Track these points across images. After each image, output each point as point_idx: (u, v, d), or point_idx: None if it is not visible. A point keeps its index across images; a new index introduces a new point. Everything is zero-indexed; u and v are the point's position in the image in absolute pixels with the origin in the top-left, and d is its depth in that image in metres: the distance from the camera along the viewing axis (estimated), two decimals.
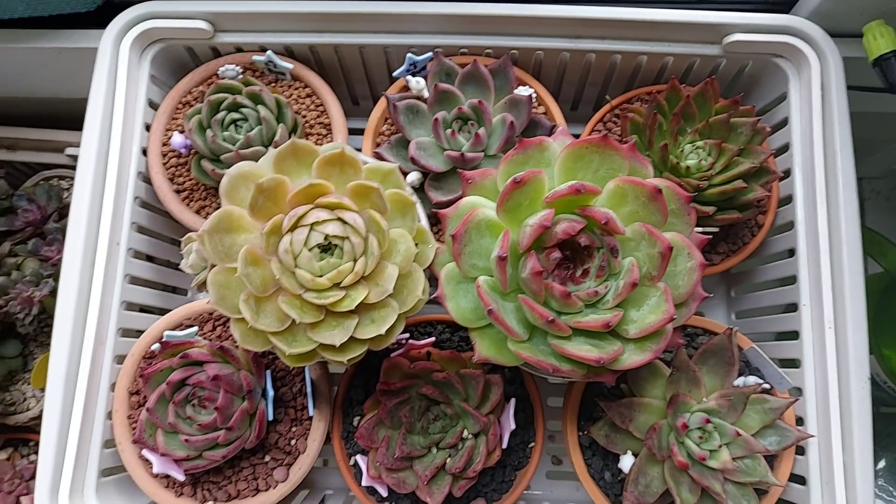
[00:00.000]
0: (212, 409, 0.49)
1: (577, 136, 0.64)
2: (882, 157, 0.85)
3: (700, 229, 0.54)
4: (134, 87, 0.59)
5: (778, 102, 0.62)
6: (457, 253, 0.42)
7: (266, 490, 0.52)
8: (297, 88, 0.62)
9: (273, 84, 0.62)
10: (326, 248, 0.41)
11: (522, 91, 0.57)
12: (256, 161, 0.55)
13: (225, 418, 0.48)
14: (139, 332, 0.58)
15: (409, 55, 0.58)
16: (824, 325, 0.54)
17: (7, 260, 0.67)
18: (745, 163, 0.55)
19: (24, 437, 0.71)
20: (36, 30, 0.64)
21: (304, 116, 0.61)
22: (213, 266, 0.41)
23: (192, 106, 0.61)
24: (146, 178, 0.60)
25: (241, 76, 0.59)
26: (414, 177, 0.57)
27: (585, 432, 0.54)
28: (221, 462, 0.50)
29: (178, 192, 0.59)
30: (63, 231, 0.69)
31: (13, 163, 0.76)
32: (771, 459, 0.53)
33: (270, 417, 0.51)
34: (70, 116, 0.72)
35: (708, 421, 0.48)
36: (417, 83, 0.57)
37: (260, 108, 0.56)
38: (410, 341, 0.53)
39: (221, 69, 0.59)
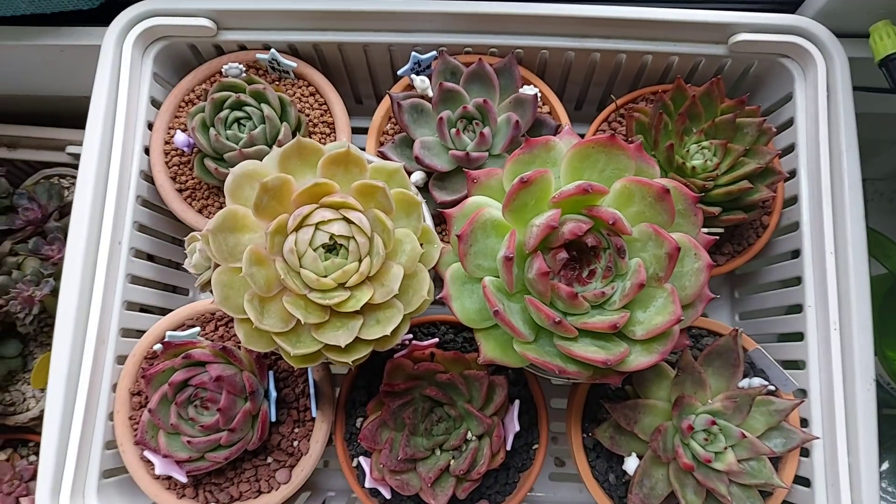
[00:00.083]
0: (214, 411, 0.48)
1: (581, 136, 0.65)
2: (885, 159, 0.85)
3: (706, 230, 0.54)
4: (136, 85, 0.59)
5: (783, 102, 0.62)
6: (462, 253, 0.41)
7: (268, 492, 0.52)
8: (300, 87, 0.62)
9: (276, 82, 0.62)
10: (331, 247, 0.41)
11: (527, 90, 0.57)
12: (260, 160, 0.55)
13: (227, 420, 0.48)
14: (140, 332, 0.57)
15: (413, 53, 0.58)
16: (829, 327, 0.54)
17: (7, 259, 0.67)
18: (751, 163, 0.54)
19: (24, 437, 0.71)
20: (38, 27, 0.63)
21: (308, 115, 0.60)
22: (216, 266, 0.41)
23: (194, 104, 0.61)
24: (148, 177, 0.60)
25: (244, 74, 0.59)
26: (418, 176, 0.56)
27: (590, 434, 0.53)
28: (224, 463, 0.50)
29: (180, 190, 0.59)
30: (63, 230, 0.68)
31: (14, 161, 0.76)
32: (776, 461, 0.53)
33: (273, 419, 0.50)
34: (71, 114, 0.72)
35: (713, 423, 0.48)
36: (422, 82, 0.57)
37: (263, 106, 0.55)
38: (414, 342, 0.53)
39: (225, 67, 0.59)
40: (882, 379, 0.76)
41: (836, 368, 0.53)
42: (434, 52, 0.58)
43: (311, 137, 0.60)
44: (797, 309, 0.57)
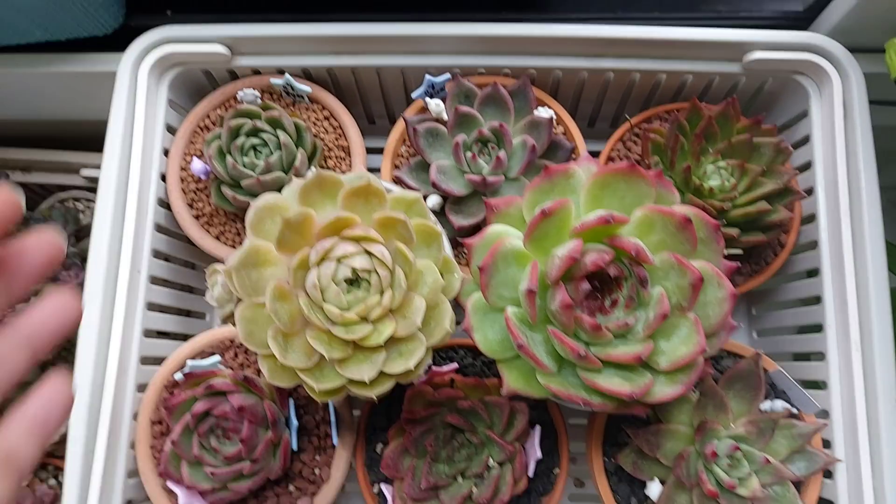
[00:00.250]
0: (236, 441, 0.48)
1: (594, 154, 0.65)
2: None
3: (725, 251, 0.54)
4: (152, 113, 0.59)
5: (799, 119, 0.62)
6: (484, 284, 0.41)
7: None
8: (314, 111, 0.62)
9: (291, 107, 0.62)
10: (353, 281, 0.41)
11: (542, 113, 0.57)
12: (277, 187, 0.55)
13: (250, 449, 0.48)
14: (157, 359, 0.57)
15: (427, 77, 0.58)
16: (850, 347, 0.54)
17: None
18: (769, 183, 0.54)
19: (43, 461, 0.71)
20: (52, 54, 0.64)
21: (323, 139, 0.61)
22: (239, 301, 0.41)
23: (209, 130, 0.61)
24: (164, 203, 0.60)
25: (259, 100, 0.59)
26: (434, 200, 0.56)
27: (612, 458, 0.53)
28: (247, 493, 0.50)
29: (197, 217, 0.59)
30: (80, 255, 0.68)
31: (29, 185, 0.76)
32: (798, 484, 0.53)
33: (294, 447, 0.50)
34: (84, 137, 0.72)
35: (737, 448, 0.48)
36: (437, 105, 0.57)
37: (279, 132, 0.55)
38: (433, 368, 0.53)
39: (240, 93, 0.59)
40: None
41: (859, 389, 0.53)
42: (447, 75, 0.58)
43: (326, 162, 0.60)
44: (817, 328, 0.57)
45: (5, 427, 0.21)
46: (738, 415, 0.51)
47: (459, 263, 0.58)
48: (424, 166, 0.57)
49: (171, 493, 0.51)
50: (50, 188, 0.77)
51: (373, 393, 0.40)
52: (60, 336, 0.23)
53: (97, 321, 0.53)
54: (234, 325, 0.43)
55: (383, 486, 0.52)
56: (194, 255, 0.65)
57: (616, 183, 0.42)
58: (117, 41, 0.62)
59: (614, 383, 0.39)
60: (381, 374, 0.40)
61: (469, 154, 0.55)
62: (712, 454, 0.47)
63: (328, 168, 0.60)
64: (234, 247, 0.59)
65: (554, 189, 0.43)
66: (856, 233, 0.55)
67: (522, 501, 0.54)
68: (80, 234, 0.72)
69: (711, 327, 0.41)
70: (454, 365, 0.54)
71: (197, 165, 0.57)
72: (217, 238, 0.59)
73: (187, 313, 0.67)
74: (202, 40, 0.58)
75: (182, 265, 0.64)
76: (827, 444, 0.54)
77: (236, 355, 0.56)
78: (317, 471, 0.52)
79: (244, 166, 0.55)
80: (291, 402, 0.51)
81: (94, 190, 0.73)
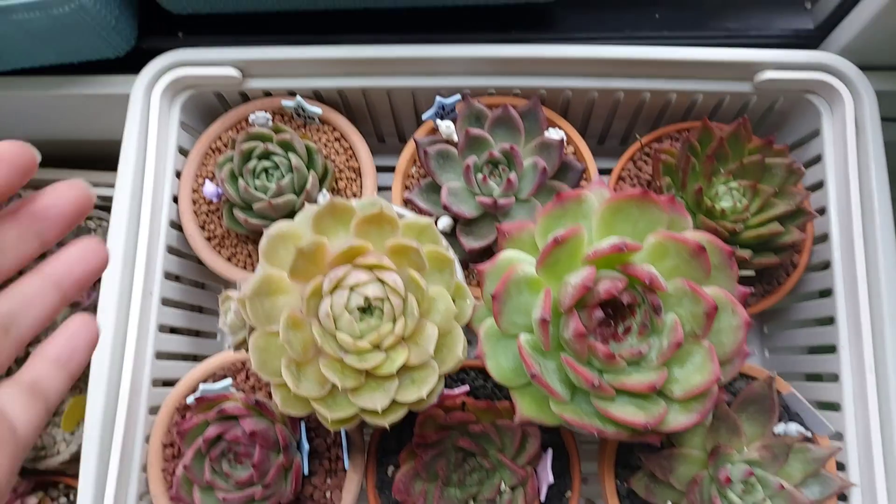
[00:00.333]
0: (248, 465, 0.48)
1: (604, 171, 0.64)
2: None
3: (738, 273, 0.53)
4: (164, 136, 0.59)
5: (810, 138, 0.62)
6: (497, 312, 0.41)
7: None
8: (325, 132, 0.62)
9: (302, 128, 0.62)
10: (365, 309, 0.41)
11: (553, 134, 0.57)
12: (288, 210, 0.55)
13: (261, 474, 0.48)
14: (169, 381, 0.58)
15: (437, 98, 0.58)
16: (865, 369, 0.53)
17: None
18: (781, 205, 0.54)
19: (54, 479, 0.71)
20: (63, 76, 0.64)
21: (334, 160, 0.61)
22: (252, 329, 0.41)
23: (221, 152, 0.61)
24: (176, 225, 0.60)
25: (270, 122, 0.59)
26: (445, 222, 0.57)
27: (624, 482, 0.53)
28: None
29: (209, 238, 0.59)
30: None
31: None
32: None
33: (306, 471, 0.50)
34: (96, 157, 0.73)
35: (751, 473, 0.48)
36: (447, 127, 0.57)
37: (291, 155, 0.56)
38: (444, 391, 0.52)
39: (252, 117, 0.59)
40: None
41: (873, 412, 0.52)
42: (458, 96, 0.58)
43: (337, 183, 0.60)
44: (830, 349, 0.57)
45: (34, 358, 0.23)
46: (751, 438, 0.50)
47: (470, 284, 0.59)
48: (435, 188, 0.57)
49: None
50: None
51: (385, 422, 0.40)
52: (88, 280, 0.24)
53: (110, 343, 0.53)
54: (246, 351, 0.43)
55: None
56: (204, 274, 0.66)
57: (628, 209, 0.42)
58: (129, 63, 0.62)
59: (628, 412, 0.39)
60: (394, 403, 0.40)
61: (480, 176, 0.55)
62: (726, 479, 0.47)
63: (339, 189, 0.61)
64: (245, 268, 0.59)
65: (566, 215, 0.43)
66: (869, 253, 0.55)
67: None
68: None
69: (726, 355, 0.41)
70: (465, 387, 0.53)
71: (209, 189, 0.57)
72: (229, 260, 0.59)
73: (196, 333, 0.67)
74: (214, 63, 0.59)
75: (192, 285, 0.65)
76: (841, 466, 0.54)
77: (248, 378, 0.56)
78: (328, 494, 0.52)
79: (256, 189, 0.55)
80: (302, 425, 0.51)
81: (106, 209, 0.74)
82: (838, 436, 0.54)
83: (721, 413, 0.50)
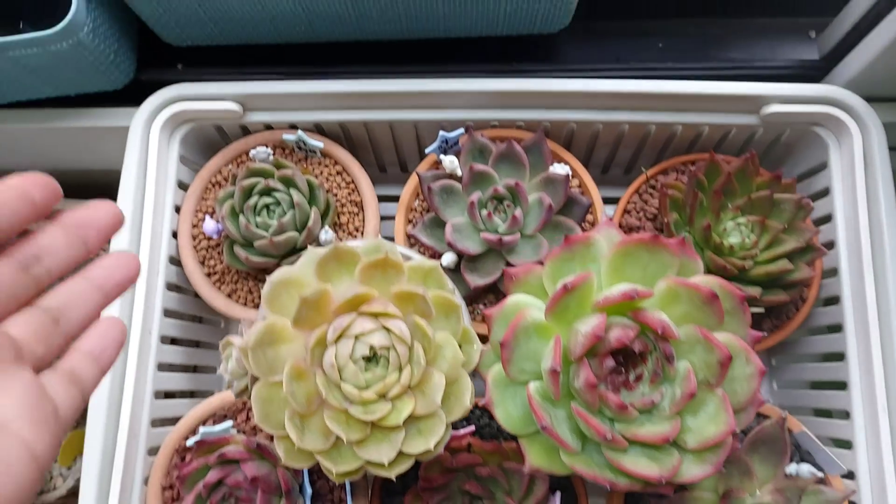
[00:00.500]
0: None
1: (609, 201, 0.64)
2: None
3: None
4: (164, 170, 0.58)
5: (818, 171, 0.61)
6: (505, 359, 0.41)
7: None
8: (327, 165, 0.61)
9: (303, 161, 0.61)
10: (370, 358, 0.40)
11: (558, 169, 0.56)
12: (290, 247, 0.54)
13: None
14: (168, 420, 0.57)
15: (441, 133, 0.57)
16: (877, 407, 0.52)
17: None
18: (790, 241, 0.53)
19: None
20: (62, 109, 0.63)
21: (336, 194, 0.60)
22: (254, 379, 0.40)
23: (221, 186, 0.60)
24: (175, 261, 0.59)
25: (272, 157, 0.59)
26: (449, 259, 0.56)
27: None
28: None
29: (209, 275, 0.59)
30: None
31: None
32: None
33: None
34: (94, 186, 0.72)
35: None
36: (451, 162, 0.57)
37: (293, 191, 0.55)
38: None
39: (253, 152, 0.58)
40: None
41: (886, 450, 0.52)
42: (461, 130, 0.58)
43: (339, 218, 0.60)
44: (841, 385, 0.56)
45: (71, 352, 0.25)
46: (763, 480, 0.49)
47: (474, 319, 0.58)
48: (439, 223, 0.56)
49: None
50: None
51: (392, 473, 0.39)
52: (126, 285, 0.27)
53: (108, 383, 0.52)
54: (248, 398, 0.42)
55: None
56: (203, 308, 0.64)
57: (638, 253, 0.41)
58: (128, 94, 0.62)
59: (641, 465, 0.38)
60: (400, 454, 0.39)
61: (484, 212, 0.54)
62: None
63: (341, 224, 0.60)
64: (245, 305, 0.58)
65: (574, 258, 0.42)
66: (879, 288, 0.54)
67: None
68: None
69: (740, 403, 0.40)
70: (471, 427, 0.52)
71: (209, 225, 0.56)
72: (229, 296, 0.58)
73: (194, 368, 0.66)
74: (215, 98, 0.58)
75: (190, 320, 0.64)
76: None
77: (248, 418, 0.55)
78: None
79: (257, 227, 0.54)
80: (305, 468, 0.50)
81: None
82: (850, 475, 0.53)
83: (732, 457, 0.49)
